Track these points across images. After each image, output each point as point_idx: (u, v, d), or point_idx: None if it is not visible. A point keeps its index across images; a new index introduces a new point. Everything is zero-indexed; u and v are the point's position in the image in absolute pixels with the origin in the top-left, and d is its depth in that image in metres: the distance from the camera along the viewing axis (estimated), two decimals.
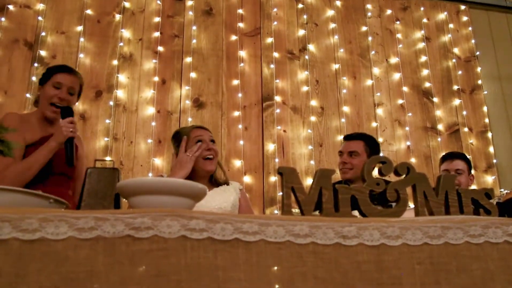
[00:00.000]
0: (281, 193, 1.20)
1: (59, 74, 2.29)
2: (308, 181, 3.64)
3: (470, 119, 4.37)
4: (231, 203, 2.30)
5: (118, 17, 3.79)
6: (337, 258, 1.05)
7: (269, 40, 4.09)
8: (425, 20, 4.61)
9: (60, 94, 2.26)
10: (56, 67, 2.36)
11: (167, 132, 3.59)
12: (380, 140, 4.00)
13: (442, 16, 4.68)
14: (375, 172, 1.33)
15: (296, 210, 1.21)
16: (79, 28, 3.67)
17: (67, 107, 2.19)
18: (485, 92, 4.50)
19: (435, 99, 4.34)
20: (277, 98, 3.94)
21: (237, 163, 3.65)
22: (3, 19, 3.50)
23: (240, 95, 3.85)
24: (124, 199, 1.22)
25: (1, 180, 1.99)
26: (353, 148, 2.71)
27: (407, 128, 4.17)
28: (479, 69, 4.57)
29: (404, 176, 1.30)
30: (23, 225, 0.89)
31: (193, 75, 3.80)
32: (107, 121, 3.49)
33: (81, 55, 3.59)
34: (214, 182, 2.39)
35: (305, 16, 4.27)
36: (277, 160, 3.75)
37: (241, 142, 3.71)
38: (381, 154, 3.29)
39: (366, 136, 2.82)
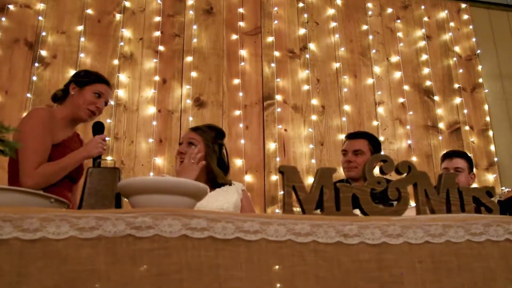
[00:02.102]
0: (282, 192, 1.20)
1: (101, 84, 2.29)
2: (309, 180, 3.65)
3: (471, 117, 4.37)
4: (233, 203, 2.28)
5: (118, 16, 3.79)
6: (338, 256, 1.05)
7: (270, 39, 4.09)
8: (425, 19, 4.61)
9: (99, 104, 2.26)
10: (99, 76, 2.34)
11: (168, 131, 3.60)
12: (381, 138, 3.99)
13: (442, 14, 4.67)
14: (376, 171, 1.32)
15: (297, 209, 1.21)
16: (80, 28, 3.67)
17: (100, 123, 2.18)
18: (486, 91, 4.50)
19: (436, 98, 4.34)
20: (278, 97, 3.94)
21: (238, 162, 3.65)
22: (3, 19, 3.51)
23: (241, 94, 3.85)
24: (125, 199, 1.22)
25: (32, 176, 2.00)
26: (357, 147, 2.71)
27: (408, 127, 4.16)
28: (480, 67, 4.57)
29: (405, 174, 1.30)
30: (24, 225, 0.89)
31: (193, 74, 3.80)
32: (108, 120, 3.49)
33: (82, 55, 3.59)
34: (216, 182, 2.37)
35: (305, 15, 4.26)
36: (278, 159, 3.75)
37: (242, 141, 3.71)
38: (382, 153, 3.29)
39: (369, 135, 2.82)
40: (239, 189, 2.39)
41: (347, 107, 4.08)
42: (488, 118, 4.40)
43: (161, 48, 3.80)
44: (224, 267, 0.96)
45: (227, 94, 3.83)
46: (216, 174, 2.34)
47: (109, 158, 3.35)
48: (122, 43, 3.72)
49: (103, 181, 1.27)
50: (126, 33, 3.77)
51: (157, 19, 3.87)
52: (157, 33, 3.83)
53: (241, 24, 4.07)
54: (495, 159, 4.26)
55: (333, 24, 4.31)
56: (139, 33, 3.81)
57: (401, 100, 4.25)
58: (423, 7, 4.63)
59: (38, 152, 2.04)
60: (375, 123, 4.10)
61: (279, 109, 3.90)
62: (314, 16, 4.30)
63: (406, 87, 4.29)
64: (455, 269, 1.10)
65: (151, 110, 3.63)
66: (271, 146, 3.78)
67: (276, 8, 4.20)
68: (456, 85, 4.44)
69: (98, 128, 2.16)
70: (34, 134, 2.05)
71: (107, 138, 2.22)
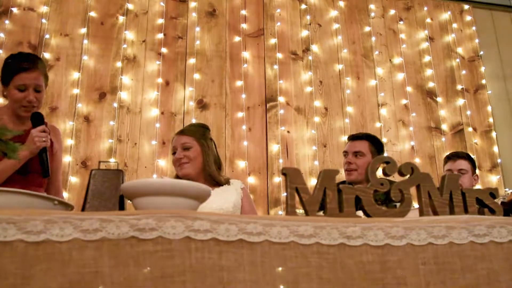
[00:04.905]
0: (285, 194, 1.20)
1: (20, 75, 2.07)
2: (312, 182, 3.64)
3: (474, 118, 4.36)
4: (232, 203, 2.28)
5: (121, 19, 3.80)
6: (341, 258, 1.04)
7: (273, 41, 4.09)
8: (428, 20, 4.60)
9: (28, 97, 2.08)
10: (15, 66, 2.10)
11: (171, 133, 3.59)
12: (384, 140, 3.99)
13: (445, 15, 4.67)
14: (379, 172, 1.32)
15: (300, 210, 1.21)
16: (83, 30, 3.68)
17: (38, 114, 2.07)
18: (489, 92, 4.49)
19: (439, 99, 4.33)
20: (281, 99, 3.94)
21: (241, 164, 3.65)
22: (7, 21, 3.52)
23: (243, 96, 3.85)
24: (129, 201, 1.22)
25: None
26: (358, 148, 2.71)
27: (411, 128, 4.16)
28: (483, 68, 4.56)
29: (408, 176, 1.30)
30: (28, 227, 0.89)
31: (196, 76, 3.81)
32: (111, 123, 3.50)
33: (85, 57, 3.60)
34: (214, 182, 2.37)
35: (308, 17, 4.27)
36: (281, 160, 3.75)
37: (245, 143, 3.72)
38: (385, 154, 3.28)
39: (371, 136, 2.81)
40: (238, 188, 2.39)
41: (350, 109, 4.07)
42: (491, 119, 4.39)
43: (164, 50, 3.81)
44: (227, 269, 0.96)
45: (230, 96, 3.84)
46: (213, 173, 2.36)
47: (112, 160, 3.36)
48: (125, 46, 3.73)
49: (107, 183, 1.27)
50: (129, 35, 3.78)
51: (160, 21, 3.88)
52: (160, 35, 3.84)
53: (244, 26, 4.07)
54: (499, 160, 4.25)
55: (335, 26, 4.31)
56: (142, 36, 3.81)
57: (404, 101, 4.24)
58: (425, 8, 4.63)
59: None
60: (378, 124, 4.10)
61: (282, 111, 3.90)
62: (316, 18, 4.30)
63: (409, 89, 4.29)
64: (458, 270, 1.10)
65: (154, 112, 3.63)
66: (274, 148, 3.78)
67: (278, 10, 4.20)
68: (459, 87, 4.43)
69: (35, 120, 2.06)
70: None
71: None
